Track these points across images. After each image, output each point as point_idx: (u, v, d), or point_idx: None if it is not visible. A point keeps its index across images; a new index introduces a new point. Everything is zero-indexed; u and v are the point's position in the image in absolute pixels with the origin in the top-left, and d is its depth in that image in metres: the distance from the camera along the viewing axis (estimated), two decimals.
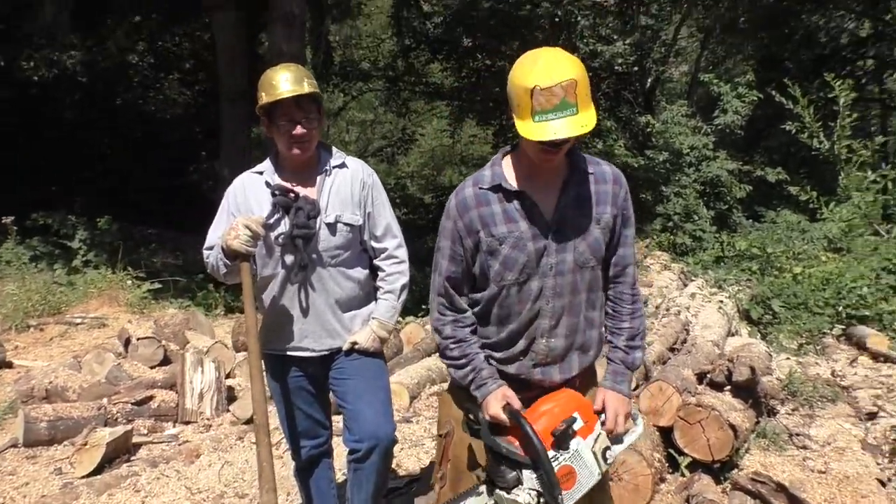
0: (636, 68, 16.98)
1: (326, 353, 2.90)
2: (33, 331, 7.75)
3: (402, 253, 2.99)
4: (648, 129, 14.24)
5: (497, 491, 2.02)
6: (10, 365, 6.50)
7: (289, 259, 2.79)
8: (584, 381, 2.31)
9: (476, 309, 2.25)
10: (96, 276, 9.45)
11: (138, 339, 6.08)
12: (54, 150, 16.02)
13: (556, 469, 1.96)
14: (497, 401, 2.09)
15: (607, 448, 2.07)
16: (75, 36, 13.96)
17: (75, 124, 15.50)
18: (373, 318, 2.94)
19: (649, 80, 17.97)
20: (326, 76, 18.90)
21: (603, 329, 2.30)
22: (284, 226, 2.77)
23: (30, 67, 13.11)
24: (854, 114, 9.62)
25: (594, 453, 2.03)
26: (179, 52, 18.15)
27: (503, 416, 2.04)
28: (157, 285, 9.44)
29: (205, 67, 17.98)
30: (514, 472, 1.98)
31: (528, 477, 1.97)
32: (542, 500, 1.98)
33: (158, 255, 13.32)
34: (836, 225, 9.82)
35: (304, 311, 2.83)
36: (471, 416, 2.10)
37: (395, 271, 2.96)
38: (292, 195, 2.78)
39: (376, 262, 2.98)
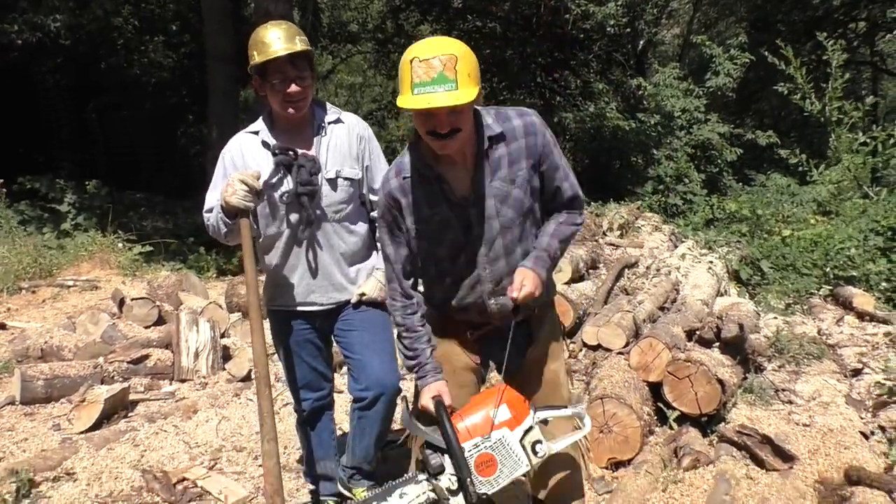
0: (628, 30, 16.88)
1: (333, 306, 2.96)
2: (25, 293, 7.75)
3: None
4: (640, 92, 14.20)
5: (429, 478, 2.16)
6: (3, 326, 6.52)
7: (294, 217, 2.83)
8: (541, 311, 2.45)
9: (427, 284, 2.40)
10: (86, 240, 9.46)
11: (132, 300, 6.11)
12: (38, 115, 15.86)
13: (475, 456, 2.10)
14: (429, 393, 2.23)
15: (538, 442, 2.16)
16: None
17: (59, 88, 15.31)
18: (376, 268, 2.98)
19: (641, 43, 17.89)
20: (314, 38, 18.67)
21: None
22: (287, 184, 2.79)
23: (14, 31, 12.87)
24: (846, 75, 9.60)
25: (522, 445, 2.14)
26: (164, 15, 17.84)
27: (431, 407, 2.19)
28: (148, 248, 9.46)
29: (190, 30, 17.72)
30: (438, 458, 2.13)
31: (448, 462, 2.12)
32: (462, 485, 2.09)
33: (148, 218, 13.27)
34: (825, 188, 9.89)
35: (311, 267, 2.88)
36: (408, 406, 2.30)
37: None
38: (292, 153, 2.80)
39: (374, 213, 3.00)
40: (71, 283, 7.96)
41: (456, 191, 2.19)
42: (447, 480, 2.11)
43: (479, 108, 2.18)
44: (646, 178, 12.77)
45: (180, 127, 19.40)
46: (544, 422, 2.24)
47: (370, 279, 2.97)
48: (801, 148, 10.65)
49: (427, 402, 2.21)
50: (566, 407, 2.32)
